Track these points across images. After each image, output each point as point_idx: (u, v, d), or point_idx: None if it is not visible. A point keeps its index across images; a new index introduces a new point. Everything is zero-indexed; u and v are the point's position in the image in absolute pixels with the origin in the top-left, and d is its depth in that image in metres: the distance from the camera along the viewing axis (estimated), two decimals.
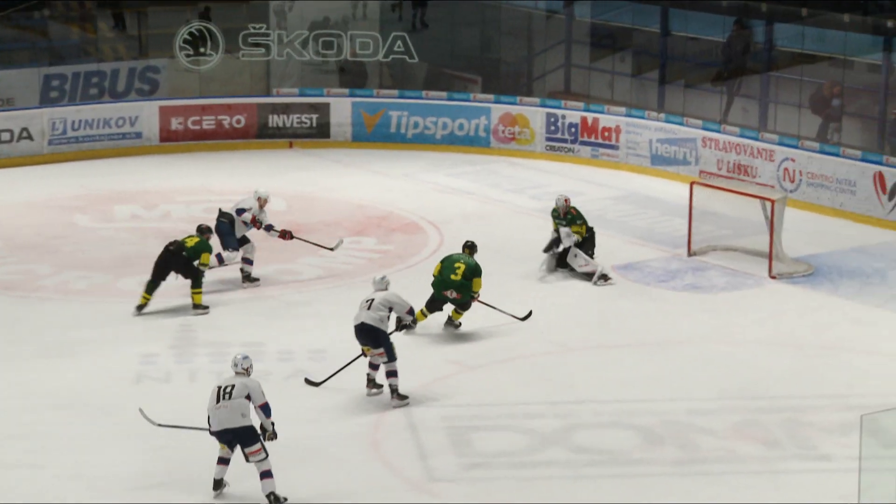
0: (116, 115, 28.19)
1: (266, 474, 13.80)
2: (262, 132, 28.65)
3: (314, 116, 28.63)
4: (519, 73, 30.14)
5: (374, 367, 16.61)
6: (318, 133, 28.59)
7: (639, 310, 19.68)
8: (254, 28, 29.61)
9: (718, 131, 25.42)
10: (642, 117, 26.64)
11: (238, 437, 13.90)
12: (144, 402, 16.26)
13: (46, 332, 18.69)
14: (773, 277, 20.63)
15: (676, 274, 20.46)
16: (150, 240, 22.29)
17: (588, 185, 25.22)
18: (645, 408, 16.34)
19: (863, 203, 23.19)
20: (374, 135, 28.41)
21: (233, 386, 14.01)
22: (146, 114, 28.37)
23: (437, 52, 30.23)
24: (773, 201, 20.92)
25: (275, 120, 28.72)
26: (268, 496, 13.78)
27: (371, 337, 16.47)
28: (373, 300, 16.69)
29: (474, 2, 30.68)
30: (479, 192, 25.28)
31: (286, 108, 28.77)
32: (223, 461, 14.12)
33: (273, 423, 14.06)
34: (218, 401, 14.01)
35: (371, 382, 16.71)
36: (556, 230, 20.76)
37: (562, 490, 14.40)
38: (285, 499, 13.87)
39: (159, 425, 14.82)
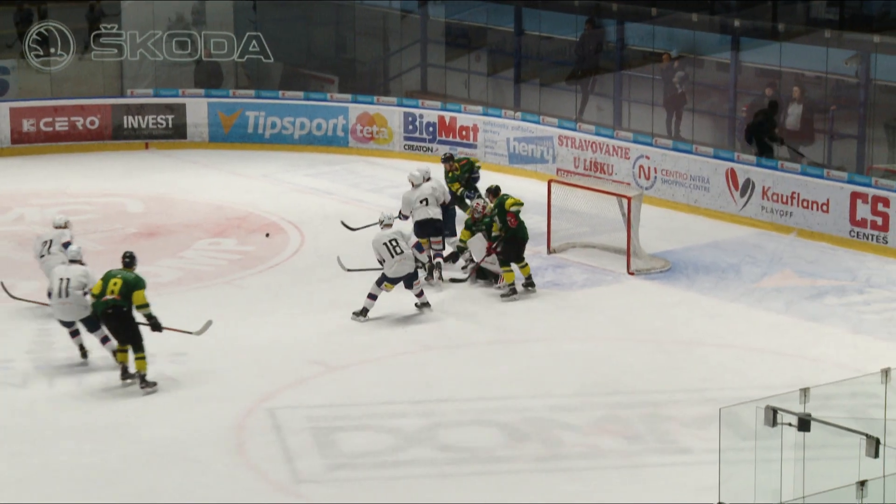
0: None
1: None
2: (116, 133, 28.44)
3: (170, 117, 28.47)
4: (376, 72, 30.22)
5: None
6: (175, 134, 28.44)
7: (498, 308, 19.84)
8: (105, 28, 29.35)
9: (574, 129, 25.68)
10: (499, 116, 26.83)
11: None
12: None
13: None
14: (632, 273, 20.89)
15: (536, 271, 20.56)
16: (3, 243, 22.07)
17: None
18: (507, 405, 16.47)
19: (716, 199, 23.55)
20: (231, 135, 28.32)
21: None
22: None
23: (292, 51, 30.20)
24: (629, 198, 21.18)
25: (130, 121, 28.51)
26: None
27: (435, 227, 20.64)
28: (426, 199, 20.62)
29: (329, 1, 30.70)
30: (339, 191, 25.31)
31: (141, 109, 28.58)
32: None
33: None
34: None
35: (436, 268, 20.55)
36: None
37: (427, 489, 14.46)
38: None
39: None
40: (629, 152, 24.68)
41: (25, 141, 27.81)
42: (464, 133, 27.01)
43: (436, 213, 20.73)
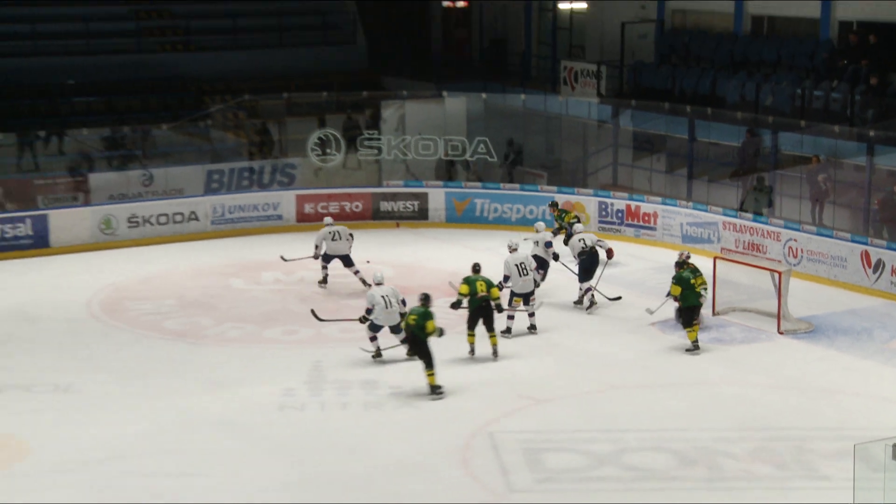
0: (262, 201, 28.44)
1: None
2: (375, 215, 28.81)
3: (416, 203, 28.76)
4: (576, 169, 30.20)
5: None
6: (419, 216, 28.70)
7: (673, 358, 19.58)
8: (368, 134, 29.91)
9: (735, 216, 25.30)
10: (674, 205, 26.55)
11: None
12: (283, 426, 16.49)
13: (207, 370, 18.86)
14: (781, 333, 20.45)
15: (703, 329, 20.31)
16: (290, 298, 22.53)
17: (632, 258, 25.12)
18: (678, 435, 16.24)
19: (852, 275, 22.92)
20: (462, 217, 28.48)
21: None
22: (285, 200, 28.56)
23: (511, 153, 30.38)
24: (780, 273, 20.80)
25: (385, 206, 28.87)
26: None
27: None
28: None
29: (541, 114, 30.87)
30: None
31: (394, 197, 28.93)
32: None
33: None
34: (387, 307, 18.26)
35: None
36: None
37: (615, 500, 14.37)
38: None
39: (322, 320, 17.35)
40: (780, 235, 24.21)
41: (307, 220, 28.29)
42: (646, 218, 26.79)
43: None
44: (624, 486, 14.75)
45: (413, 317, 17.54)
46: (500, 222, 27.89)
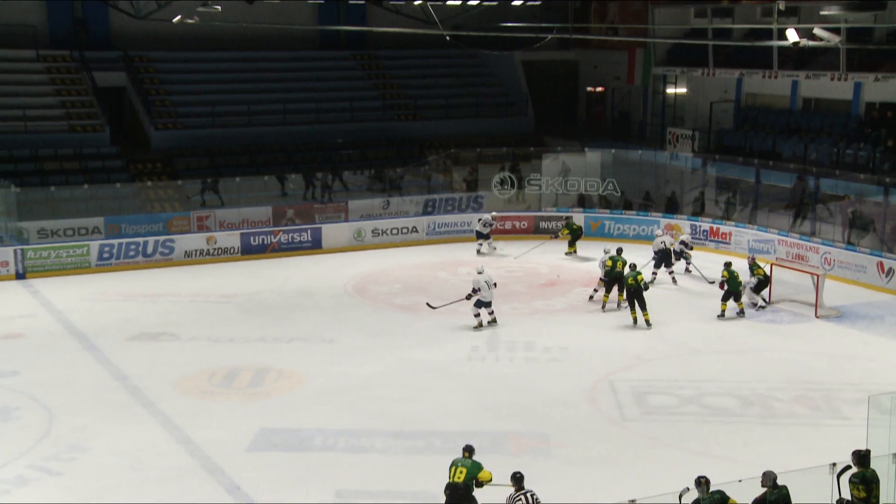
0: (460, 220, 28.47)
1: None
2: (536, 230, 28.66)
3: (564, 222, 28.48)
4: (675, 201, 29.55)
5: None
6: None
7: (742, 333, 18.96)
8: (533, 176, 29.83)
9: (787, 236, 24.39)
10: (744, 227, 25.74)
11: None
12: (470, 370, 16.58)
13: (421, 332, 18.94)
14: (818, 317, 19.65)
15: (766, 313, 19.70)
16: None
17: (713, 263, 24.19)
18: (743, 386, 15.82)
19: (871, 278, 21.80)
20: (595, 233, 27.94)
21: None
22: (474, 220, 28.59)
23: (630, 189, 29.96)
24: (818, 275, 20.05)
25: (543, 224, 28.71)
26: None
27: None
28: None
29: (652, 164, 30.36)
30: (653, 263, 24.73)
31: (549, 218, 28.72)
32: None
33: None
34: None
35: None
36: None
37: (695, 429, 14.06)
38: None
39: (435, 307, 16.74)
40: (819, 249, 23.21)
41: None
42: (723, 236, 25.97)
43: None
44: (702, 420, 14.44)
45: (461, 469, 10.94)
46: (621, 236, 27.41)
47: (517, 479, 10.40)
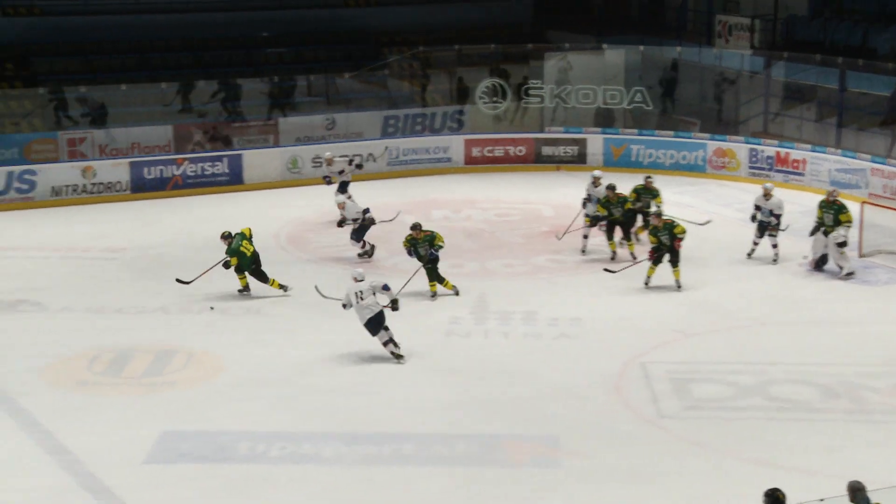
0: (433, 145, 28.53)
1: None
2: (537, 159, 28.62)
3: (575, 148, 28.48)
4: (728, 117, 29.55)
5: None
6: (578, 160, 28.38)
7: (820, 296, 19.08)
8: (532, 83, 29.73)
9: (884, 163, 24.50)
10: (823, 152, 25.86)
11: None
12: (449, 352, 16.58)
13: None
14: None
15: (849, 271, 19.77)
16: (457, 234, 22.52)
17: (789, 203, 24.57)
18: (823, 370, 15.87)
19: None
20: (619, 162, 28.09)
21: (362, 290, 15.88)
22: (455, 144, 28.58)
23: (666, 102, 29.90)
24: None
25: (546, 150, 28.68)
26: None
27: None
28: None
29: (696, 65, 30.31)
30: (697, 205, 24.73)
31: (555, 142, 28.72)
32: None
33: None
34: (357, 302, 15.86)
35: None
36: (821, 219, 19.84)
37: (757, 427, 14.13)
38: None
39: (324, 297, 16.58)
40: None
41: (474, 163, 28.33)
42: (795, 164, 26.08)
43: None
44: (766, 416, 14.49)
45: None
46: (655, 167, 27.38)
47: None
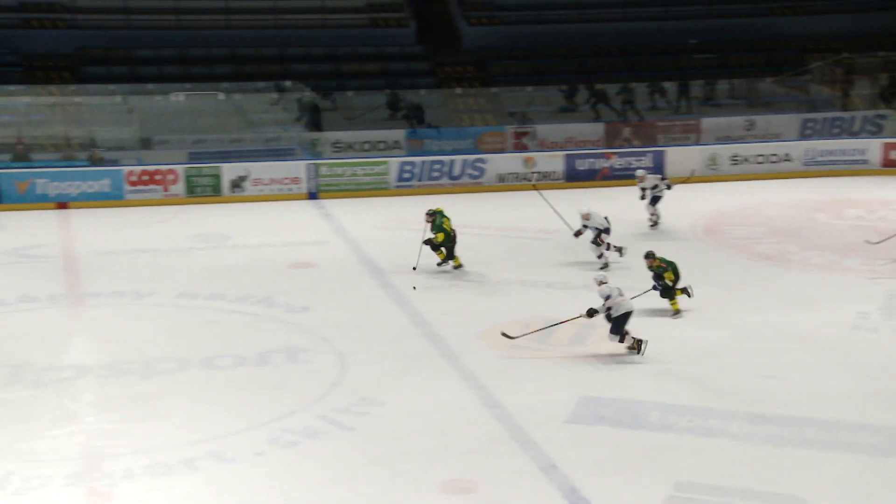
0: (851, 147, 27.33)
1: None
2: None
3: None
4: None
5: None
6: None
7: None
8: None
9: None
10: None
11: None
12: (855, 344, 15.76)
13: (790, 289, 18.33)
14: None
15: None
16: (870, 235, 21.27)
17: None
18: None
19: None
20: None
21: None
22: (872, 147, 27.20)
23: None
24: None
25: None
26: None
27: None
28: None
29: None
30: None
31: None
32: None
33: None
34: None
35: None
36: None
37: None
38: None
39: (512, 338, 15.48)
40: None
41: (891, 165, 26.88)
42: None
43: None
44: None
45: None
46: None
47: None
